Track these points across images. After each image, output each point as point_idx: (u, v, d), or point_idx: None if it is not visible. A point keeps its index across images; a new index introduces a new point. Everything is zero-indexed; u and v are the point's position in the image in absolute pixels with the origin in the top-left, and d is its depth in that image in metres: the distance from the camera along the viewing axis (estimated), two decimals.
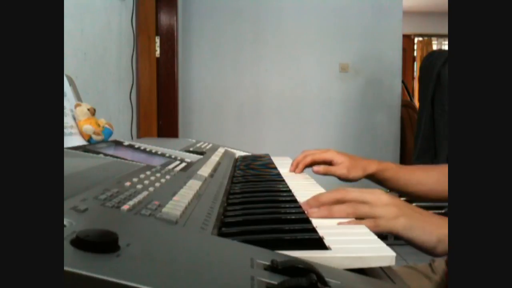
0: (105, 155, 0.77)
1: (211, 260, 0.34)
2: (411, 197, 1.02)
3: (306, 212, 0.60)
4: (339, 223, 0.57)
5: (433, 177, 0.99)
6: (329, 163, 1.02)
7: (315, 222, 0.54)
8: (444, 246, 0.59)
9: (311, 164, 1.03)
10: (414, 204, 0.80)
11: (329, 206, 0.60)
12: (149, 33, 2.30)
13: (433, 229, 0.59)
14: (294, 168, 1.02)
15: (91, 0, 1.61)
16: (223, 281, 0.30)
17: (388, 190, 0.97)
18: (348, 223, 0.57)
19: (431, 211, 0.64)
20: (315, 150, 1.05)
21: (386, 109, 3.22)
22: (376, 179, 1.01)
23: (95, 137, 0.96)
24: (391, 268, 0.46)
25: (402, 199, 0.71)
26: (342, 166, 0.99)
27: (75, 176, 0.55)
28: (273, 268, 0.33)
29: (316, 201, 0.62)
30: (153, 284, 0.26)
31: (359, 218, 0.59)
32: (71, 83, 1.07)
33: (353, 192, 0.62)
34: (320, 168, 0.98)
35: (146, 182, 0.57)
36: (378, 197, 0.60)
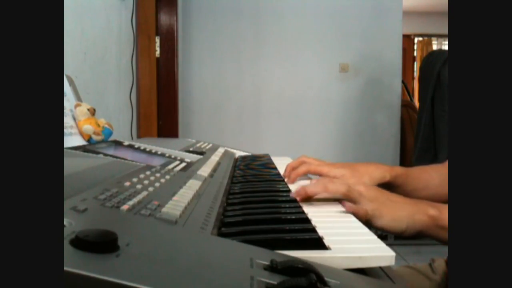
0: (105, 155, 0.77)
1: (210, 260, 0.34)
2: None
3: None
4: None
5: (435, 180, 0.97)
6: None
7: (315, 222, 0.54)
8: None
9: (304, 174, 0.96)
10: None
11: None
12: (149, 33, 2.30)
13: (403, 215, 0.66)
14: (288, 175, 0.94)
15: (91, 0, 1.61)
16: (223, 281, 0.30)
17: None
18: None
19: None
20: (313, 159, 0.97)
21: (386, 109, 3.22)
22: (385, 186, 0.94)
23: (95, 137, 0.96)
24: (391, 268, 0.46)
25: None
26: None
27: (75, 176, 0.55)
28: (272, 268, 0.33)
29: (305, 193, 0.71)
30: (152, 284, 0.26)
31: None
32: (71, 83, 1.07)
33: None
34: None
35: (146, 182, 0.57)
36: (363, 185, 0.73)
